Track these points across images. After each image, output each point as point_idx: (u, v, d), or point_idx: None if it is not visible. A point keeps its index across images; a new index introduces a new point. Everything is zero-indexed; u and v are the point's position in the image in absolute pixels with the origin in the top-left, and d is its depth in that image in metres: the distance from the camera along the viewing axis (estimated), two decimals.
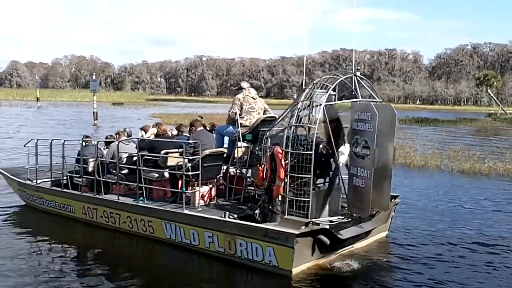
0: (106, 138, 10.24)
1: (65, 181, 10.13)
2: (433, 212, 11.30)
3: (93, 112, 38.60)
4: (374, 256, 7.98)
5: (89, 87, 46.80)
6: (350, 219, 7.91)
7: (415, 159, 18.44)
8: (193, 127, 9.29)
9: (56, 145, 10.41)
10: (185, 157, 8.17)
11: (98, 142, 9.84)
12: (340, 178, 7.86)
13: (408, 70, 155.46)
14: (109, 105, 76.32)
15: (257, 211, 7.79)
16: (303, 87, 8.31)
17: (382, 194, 7.60)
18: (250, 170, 9.29)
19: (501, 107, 72.43)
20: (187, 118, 35.54)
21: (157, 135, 9.82)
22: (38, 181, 10.50)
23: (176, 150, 8.86)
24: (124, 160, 9.41)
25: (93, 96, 41.08)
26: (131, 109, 67.17)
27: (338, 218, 7.72)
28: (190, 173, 8.18)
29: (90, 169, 9.57)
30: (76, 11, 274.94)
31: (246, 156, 9.14)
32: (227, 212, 7.75)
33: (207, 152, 8.45)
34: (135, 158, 9.05)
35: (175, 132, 10.09)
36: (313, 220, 7.20)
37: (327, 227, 7.37)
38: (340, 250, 7.84)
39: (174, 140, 9.41)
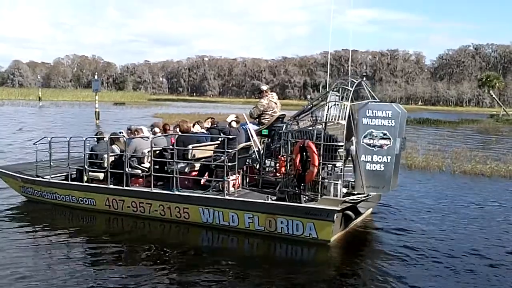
0: (111, 135, 10.73)
1: (73, 176, 10.67)
2: (424, 202, 12.03)
3: (95, 112, 38.72)
4: (372, 226, 10.00)
5: (91, 86, 46.88)
6: (364, 198, 8.76)
7: (417, 160, 18.41)
8: (230, 125, 10.36)
9: (61, 142, 11.06)
10: (226, 150, 9.09)
11: (127, 139, 10.31)
12: (358, 163, 8.39)
13: (410, 71, 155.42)
14: (110, 104, 76.28)
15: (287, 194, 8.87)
16: (327, 88, 9.43)
17: (397, 175, 8.74)
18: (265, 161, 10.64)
19: (503, 108, 72.37)
20: (189, 118, 35.54)
21: (182, 132, 10.32)
22: (48, 177, 10.80)
23: (210, 143, 10.11)
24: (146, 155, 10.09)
25: (95, 95, 41.20)
26: (133, 109, 67.15)
27: (358, 197, 8.59)
28: (229, 164, 9.04)
29: (105, 164, 10.08)
30: (83, 12, 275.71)
31: (262, 150, 10.43)
32: (269, 195, 8.99)
33: (241, 145, 9.65)
34: (157, 153, 10.10)
35: (195, 129, 10.77)
36: (344, 199, 8.35)
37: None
38: (351, 223, 9.35)
39: (209, 135, 10.55)
